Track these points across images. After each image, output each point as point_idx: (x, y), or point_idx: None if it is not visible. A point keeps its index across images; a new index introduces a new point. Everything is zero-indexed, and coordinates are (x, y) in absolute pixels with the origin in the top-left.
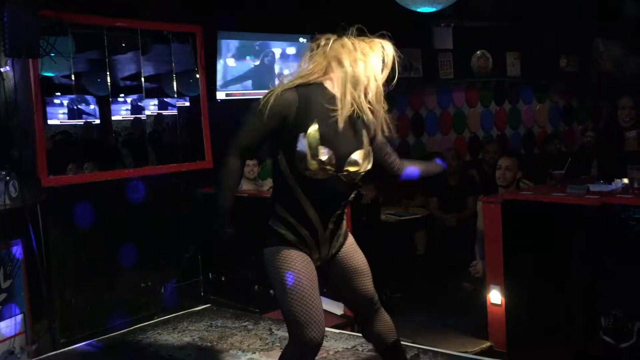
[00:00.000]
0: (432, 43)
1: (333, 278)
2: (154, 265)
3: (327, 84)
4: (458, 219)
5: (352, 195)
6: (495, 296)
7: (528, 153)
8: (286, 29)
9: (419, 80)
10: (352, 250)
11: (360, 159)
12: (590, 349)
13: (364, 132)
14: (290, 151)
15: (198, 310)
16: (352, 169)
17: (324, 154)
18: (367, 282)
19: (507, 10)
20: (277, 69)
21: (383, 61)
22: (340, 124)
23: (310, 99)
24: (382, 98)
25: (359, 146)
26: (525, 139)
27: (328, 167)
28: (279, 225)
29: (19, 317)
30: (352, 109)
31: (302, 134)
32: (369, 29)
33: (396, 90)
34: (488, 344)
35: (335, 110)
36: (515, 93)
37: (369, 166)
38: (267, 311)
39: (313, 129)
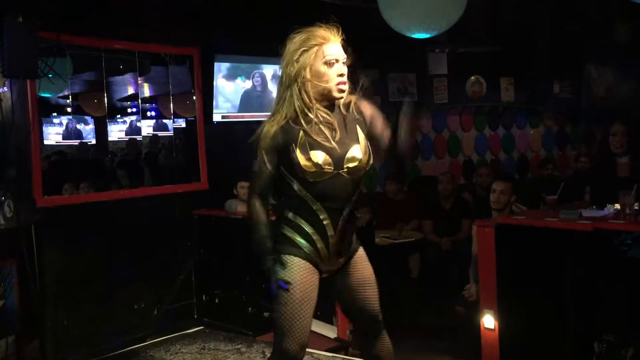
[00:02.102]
0: (427, 68)
1: (340, 288)
2: (148, 286)
3: None
4: (452, 242)
5: (357, 195)
6: (488, 320)
7: (521, 177)
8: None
9: (414, 105)
10: (362, 262)
11: (359, 154)
12: None
13: (357, 126)
14: (288, 163)
15: (191, 332)
16: (352, 164)
17: (317, 158)
18: (372, 295)
19: (501, 36)
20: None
21: (314, 47)
22: (320, 126)
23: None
24: (334, 83)
25: (355, 142)
26: (519, 163)
27: (326, 168)
28: (290, 230)
29: (11, 338)
30: (324, 106)
31: (292, 146)
32: (365, 54)
33: (391, 114)
34: None
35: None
36: (509, 118)
37: (372, 160)
38: (261, 334)
39: (301, 140)
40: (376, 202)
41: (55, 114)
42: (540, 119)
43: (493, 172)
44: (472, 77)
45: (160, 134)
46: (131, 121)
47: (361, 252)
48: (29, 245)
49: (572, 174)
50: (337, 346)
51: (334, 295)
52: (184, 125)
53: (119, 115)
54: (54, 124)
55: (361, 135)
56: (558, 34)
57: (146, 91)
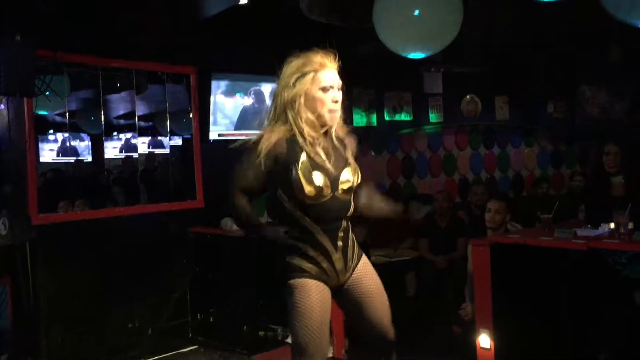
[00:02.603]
0: (423, 87)
1: (348, 303)
2: (142, 304)
3: None
4: (448, 261)
5: (351, 210)
6: (484, 340)
7: (516, 196)
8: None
9: (409, 123)
10: (365, 271)
11: (350, 177)
12: None
13: (345, 149)
14: (288, 185)
15: (185, 351)
16: (345, 186)
17: (318, 179)
18: (380, 307)
19: (496, 55)
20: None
21: (310, 72)
22: (316, 148)
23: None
24: (327, 108)
25: (346, 164)
26: (514, 182)
27: (324, 190)
28: (295, 257)
29: (4, 357)
30: (320, 131)
31: (293, 166)
32: (361, 72)
33: (387, 133)
34: None
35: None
36: (504, 137)
37: (359, 179)
38: (255, 353)
39: (303, 158)
40: (372, 220)
41: (51, 131)
42: (534, 138)
43: (488, 191)
44: (467, 96)
45: (157, 151)
46: (127, 139)
47: (365, 259)
48: (24, 263)
49: (567, 193)
50: None
51: (342, 309)
52: (180, 143)
53: (115, 133)
54: (50, 141)
55: (349, 158)
56: (552, 54)
57: (143, 109)
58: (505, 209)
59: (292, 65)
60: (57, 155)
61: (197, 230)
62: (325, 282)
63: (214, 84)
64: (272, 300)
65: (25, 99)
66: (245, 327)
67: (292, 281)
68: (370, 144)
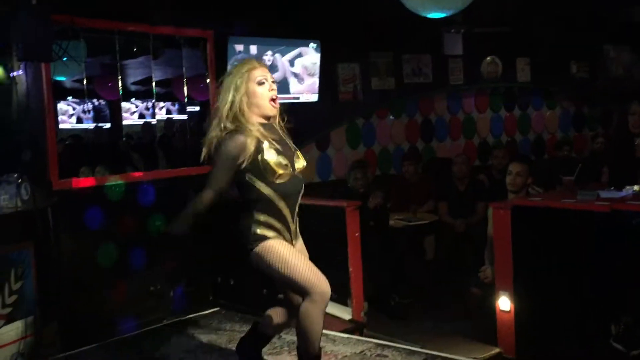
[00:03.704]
0: (442, 49)
1: None
2: (163, 268)
3: None
4: (467, 224)
5: (302, 190)
6: (504, 302)
7: (537, 159)
8: (297, 34)
9: (428, 86)
10: (302, 246)
11: (302, 159)
12: (600, 356)
13: (288, 137)
14: (257, 169)
15: (207, 314)
16: (299, 166)
17: (283, 160)
18: None
19: (517, 16)
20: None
21: (245, 73)
22: (270, 137)
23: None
24: (264, 100)
25: (294, 149)
26: (535, 145)
27: (289, 169)
28: (262, 228)
29: (30, 319)
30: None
31: (260, 154)
32: (379, 34)
33: (406, 96)
34: (497, 350)
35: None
36: (525, 99)
37: (304, 162)
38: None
39: (266, 145)
40: (390, 184)
41: (70, 97)
42: (556, 100)
43: (509, 154)
44: (488, 58)
45: (175, 117)
46: (145, 104)
47: (300, 240)
48: (45, 228)
49: (589, 155)
50: (352, 327)
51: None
52: (197, 108)
53: (133, 99)
54: (69, 108)
55: (291, 144)
56: (575, 13)
57: (160, 74)
58: (527, 172)
59: (233, 72)
60: (76, 122)
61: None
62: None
63: (230, 48)
64: None
65: (43, 65)
66: (265, 290)
67: (262, 244)
68: (388, 107)
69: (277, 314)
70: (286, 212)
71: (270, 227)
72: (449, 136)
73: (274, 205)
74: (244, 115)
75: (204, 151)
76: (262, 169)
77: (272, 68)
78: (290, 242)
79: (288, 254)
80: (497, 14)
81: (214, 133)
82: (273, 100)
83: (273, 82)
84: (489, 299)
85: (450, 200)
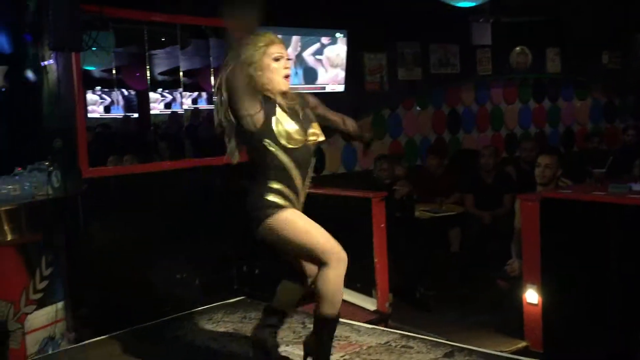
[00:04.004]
0: (470, 39)
1: None
2: (189, 256)
3: None
4: (494, 216)
5: (314, 162)
6: (531, 295)
7: (567, 151)
8: (324, 24)
9: (456, 76)
10: None
11: (317, 130)
12: (627, 351)
13: (307, 110)
14: (272, 134)
15: (232, 302)
16: (313, 137)
17: (295, 126)
18: None
19: (547, 5)
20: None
21: (262, 47)
22: (283, 109)
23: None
24: (278, 76)
25: (312, 121)
26: (564, 136)
27: (301, 135)
28: (274, 196)
29: (60, 304)
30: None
31: (273, 117)
32: (406, 24)
33: (433, 86)
34: (523, 343)
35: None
36: (555, 90)
37: (323, 137)
38: (300, 305)
39: (279, 110)
40: (416, 175)
41: (98, 86)
42: (587, 91)
43: (537, 146)
44: (517, 48)
45: (201, 107)
46: (172, 94)
47: None
48: (75, 215)
49: (620, 147)
50: (377, 318)
51: None
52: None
53: (160, 89)
54: (97, 97)
55: (312, 117)
56: (608, 2)
57: (187, 64)
58: (557, 164)
59: (250, 44)
60: (105, 111)
61: (241, 184)
62: None
63: None
64: None
65: (73, 54)
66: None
67: (275, 215)
68: (415, 98)
69: (288, 288)
70: (298, 181)
71: (283, 195)
72: (476, 127)
73: (288, 174)
74: (260, 81)
75: (215, 118)
76: (276, 134)
77: (299, 57)
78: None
79: (304, 222)
80: (527, 3)
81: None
82: (286, 77)
83: (288, 59)
84: (516, 292)
85: (477, 192)
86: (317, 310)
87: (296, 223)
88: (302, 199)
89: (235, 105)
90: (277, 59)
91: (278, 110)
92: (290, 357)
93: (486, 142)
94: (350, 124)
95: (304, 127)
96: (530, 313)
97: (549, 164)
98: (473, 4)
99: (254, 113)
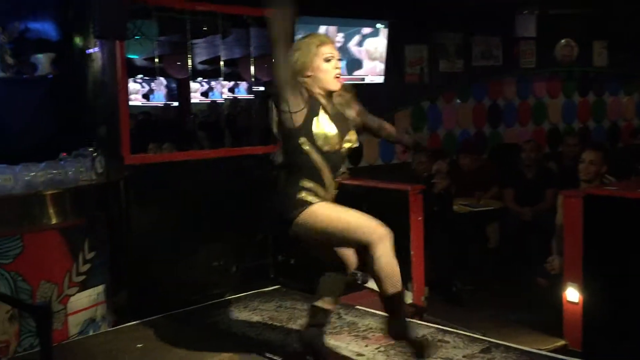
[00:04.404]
0: (514, 30)
1: None
2: (226, 244)
3: None
4: (534, 212)
5: (345, 166)
6: (572, 294)
7: (612, 147)
8: (365, 14)
9: (498, 69)
10: None
11: (354, 137)
12: None
13: (348, 114)
14: (310, 134)
15: (268, 290)
16: (347, 145)
17: (334, 131)
18: None
19: None
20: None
21: (313, 47)
22: (328, 108)
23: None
24: (328, 76)
25: (350, 126)
26: (609, 132)
27: (338, 141)
28: (306, 193)
29: (101, 287)
30: (326, 98)
31: (315, 118)
32: (449, 14)
33: (474, 79)
34: (562, 342)
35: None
36: (601, 84)
37: (357, 144)
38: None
39: (322, 113)
40: (454, 169)
41: (140, 75)
42: (635, 86)
43: (581, 141)
44: (563, 41)
45: (240, 96)
46: (212, 83)
47: None
48: (118, 200)
49: None
50: (412, 311)
51: None
52: (263, 88)
53: (200, 78)
54: (139, 85)
55: (351, 123)
56: None
57: (227, 54)
58: (602, 160)
59: (298, 49)
60: (146, 99)
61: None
62: None
63: (297, 27)
64: None
65: (117, 43)
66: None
67: (306, 211)
68: (455, 90)
69: (328, 282)
70: (329, 183)
71: (313, 192)
72: (517, 121)
73: (319, 174)
74: (308, 81)
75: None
76: (314, 135)
77: (339, 48)
78: None
79: (337, 209)
80: None
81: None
82: (337, 77)
83: (339, 59)
84: (555, 290)
85: (517, 188)
86: (381, 294)
87: (329, 211)
88: (332, 192)
89: (279, 100)
90: (327, 60)
91: (321, 112)
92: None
93: (527, 136)
94: (388, 131)
95: (342, 132)
96: (570, 311)
97: (593, 160)
98: None
99: (295, 111)
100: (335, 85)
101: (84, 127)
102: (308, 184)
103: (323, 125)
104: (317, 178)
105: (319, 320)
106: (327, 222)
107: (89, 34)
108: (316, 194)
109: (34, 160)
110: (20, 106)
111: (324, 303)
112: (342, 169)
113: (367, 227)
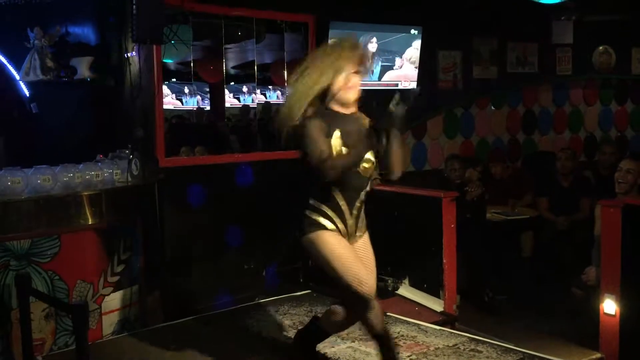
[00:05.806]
0: (550, 37)
1: None
2: (257, 248)
3: None
4: (570, 222)
5: (368, 187)
6: (609, 306)
7: None
8: (398, 20)
9: (533, 76)
10: (364, 245)
11: (372, 157)
12: None
13: (368, 134)
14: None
15: (298, 295)
16: (366, 165)
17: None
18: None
19: (634, 2)
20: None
21: (343, 71)
22: (345, 127)
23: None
24: (348, 93)
25: (370, 147)
26: None
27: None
28: (317, 215)
29: (135, 288)
30: (354, 114)
31: (335, 132)
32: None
33: (509, 86)
34: (598, 355)
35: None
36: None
37: (375, 174)
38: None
39: (336, 136)
40: (486, 177)
41: (174, 79)
42: None
43: (618, 150)
44: (601, 47)
45: (273, 101)
46: (245, 88)
47: (366, 236)
48: (152, 202)
49: None
50: (443, 320)
51: None
52: None
53: (232, 82)
54: (173, 89)
55: (372, 144)
56: None
57: (261, 58)
58: (639, 170)
59: (323, 54)
60: (180, 103)
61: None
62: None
63: (331, 32)
64: (382, 252)
65: (154, 47)
66: None
67: (312, 234)
68: (489, 97)
69: (338, 312)
70: (343, 205)
71: (326, 216)
72: (552, 129)
73: (331, 196)
74: (331, 99)
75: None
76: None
77: (374, 53)
78: (347, 237)
79: (343, 251)
80: (612, 0)
81: (291, 114)
82: (353, 94)
83: (361, 75)
84: (591, 301)
85: (552, 196)
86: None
87: (333, 247)
88: (351, 221)
89: (307, 148)
90: (357, 72)
91: (336, 132)
92: (356, 354)
93: (562, 144)
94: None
95: (360, 152)
96: (607, 324)
97: (631, 169)
98: (556, 1)
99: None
100: (353, 96)
101: (121, 129)
102: (319, 205)
103: (335, 146)
104: (330, 200)
105: (315, 334)
106: (330, 256)
107: (127, 38)
108: (329, 219)
109: (72, 161)
110: (60, 108)
111: (325, 326)
112: (363, 193)
113: (357, 281)
